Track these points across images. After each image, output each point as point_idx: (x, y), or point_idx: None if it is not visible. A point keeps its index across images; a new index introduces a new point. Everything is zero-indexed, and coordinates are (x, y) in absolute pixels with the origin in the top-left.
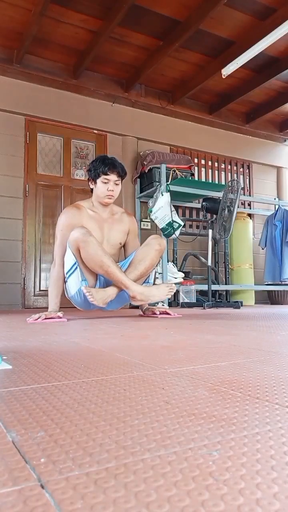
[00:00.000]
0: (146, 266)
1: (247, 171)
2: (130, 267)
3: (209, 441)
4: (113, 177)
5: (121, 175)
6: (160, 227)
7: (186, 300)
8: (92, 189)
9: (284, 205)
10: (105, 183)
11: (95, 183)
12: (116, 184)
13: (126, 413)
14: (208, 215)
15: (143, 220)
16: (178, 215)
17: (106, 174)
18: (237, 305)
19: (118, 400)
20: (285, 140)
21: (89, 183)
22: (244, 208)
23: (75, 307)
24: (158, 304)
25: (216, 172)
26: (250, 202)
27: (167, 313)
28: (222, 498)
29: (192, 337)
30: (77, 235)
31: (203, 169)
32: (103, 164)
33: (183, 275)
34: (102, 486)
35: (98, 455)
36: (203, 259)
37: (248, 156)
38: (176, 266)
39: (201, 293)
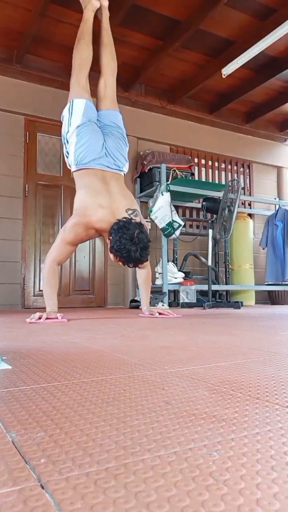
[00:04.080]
0: None
1: (247, 170)
2: None
3: (209, 442)
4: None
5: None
6: (160, 227)
7: (186, 300)
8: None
9: (284, 205)
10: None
11: (111, 251)
12: None
13: (126, 414)
14: (208, 215)
15: None
16: (178, 215)
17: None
18: (238, 305)
19: (118, 401)
20: (285, 140)
21: (108, 240)
22: (245, 208)
23: (75, 307)
24: (158, 304)
25: (216, 172)
26: (250, 202)
27: (166, 315)
28: (222, 498)
29: (192, 337)
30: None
31: (203, 169)
32: (128, 258)
33: (183, 275)
34: (102, 487)
35: (98, 455)
36: (203, 259)
37: (248, 156)
38: (176, 266)
39: (201, 293)
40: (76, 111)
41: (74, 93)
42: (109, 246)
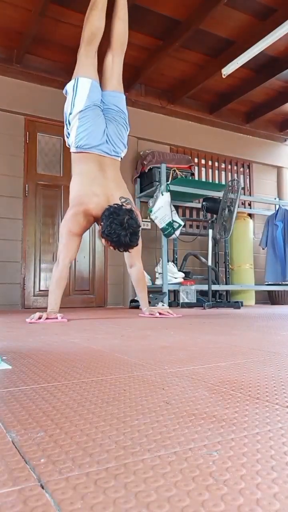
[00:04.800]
0: None
1: (247, 170)
2: None
3: (209, 442)
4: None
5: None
6: (160, 227)
7: (186, 300)
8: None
9: (284, 205)
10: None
11: (102, 236)
12: None
13: (126, 414)
14: (208, 215)
15: (143, 220)
16: (178, 215)
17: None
18: (238, 305)
19: (118, 401)
20: (285, 140)
21: (100, 225)
22: (245, 208)
23: (75, 307)
24: (158, 304)
25: (216, 172)
26: (250, 202)
27: (166, 315)
28: (222, 498)
29: (192, 337)
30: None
31: (203, 169)
32: (118, 243)
33: (183, 275)
34: (102, 486)
35: (98, 455)
36: (203, 259)
37: (248, 156)
38: (176, 266)
39: (201, 293)
40: (80, 92)
41: (81, 68)
42: (100, 231)
